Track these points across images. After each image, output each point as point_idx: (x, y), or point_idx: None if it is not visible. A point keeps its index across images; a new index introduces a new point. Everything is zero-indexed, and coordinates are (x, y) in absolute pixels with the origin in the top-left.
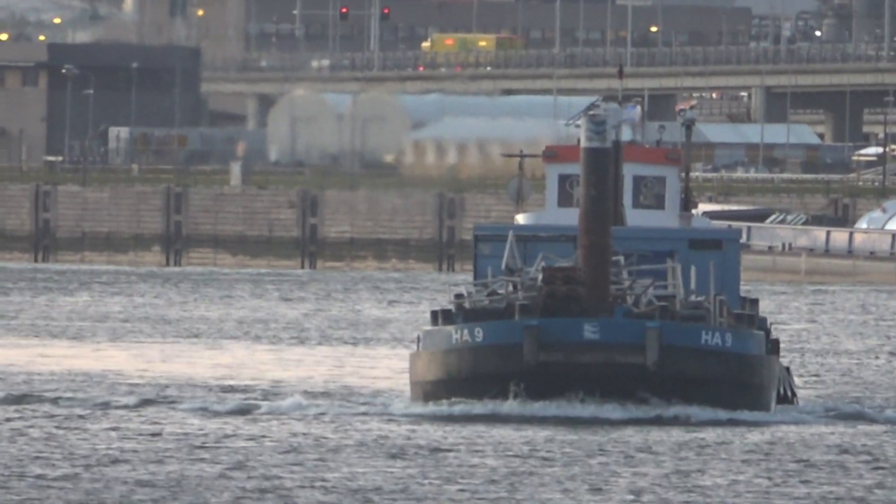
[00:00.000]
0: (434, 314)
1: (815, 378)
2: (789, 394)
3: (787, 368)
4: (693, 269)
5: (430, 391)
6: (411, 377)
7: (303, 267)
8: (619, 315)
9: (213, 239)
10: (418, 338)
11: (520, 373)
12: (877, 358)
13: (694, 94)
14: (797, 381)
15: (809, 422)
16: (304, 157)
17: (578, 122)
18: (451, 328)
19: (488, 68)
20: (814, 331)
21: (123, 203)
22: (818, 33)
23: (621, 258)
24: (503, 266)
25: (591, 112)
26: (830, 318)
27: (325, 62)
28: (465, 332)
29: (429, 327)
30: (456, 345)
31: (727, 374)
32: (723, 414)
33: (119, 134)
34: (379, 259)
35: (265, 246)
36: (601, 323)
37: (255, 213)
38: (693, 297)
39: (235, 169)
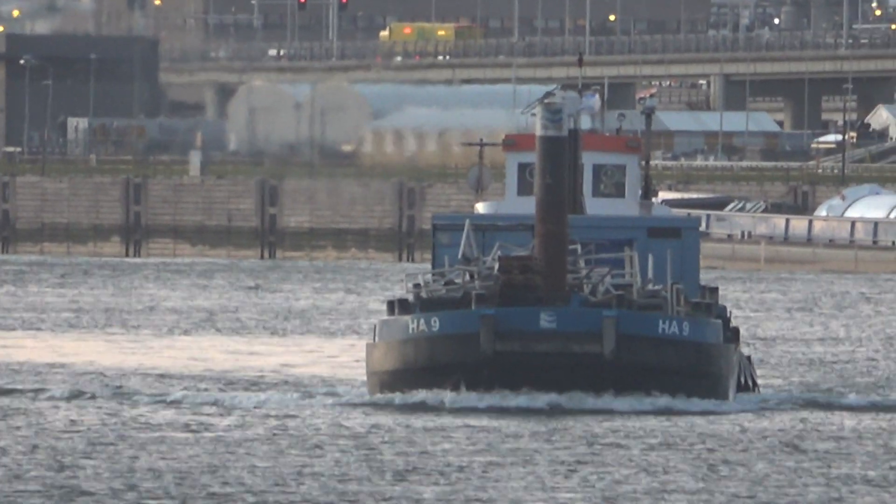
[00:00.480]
0: (390, 304)
1: (776, 366)
2: (750, 383)
3: (749, 357)
4: (651, 257)
5: (386, 381)
6: (368, 367)
7: (262, 257)
8: (575, 304)
9: (173, 229)
10: (374, 327)
11: (476, 362)
12: (839, 345)
13: (653, 83)
14: (759, 370)
15: (766, 410)
16: (263, 146)
17: (534, 112)
18: (407, 318)
19: (447, 57)
20: (774, 318)
21: (83, 194)
22: (777, 21)
23: (578, 247)
24: (460, 255)
25: (546, 101)
26: (790, 305)
27: (283, 52)
28: (422, 321)
29: (385, 317)
30: (412, 334)
31: (684, 363)
32: (679, 403)
33: (78, 125)
34: (339, 249)
35: (224, 236)
36: (557, 312)
37: (214, 203)
38: (650, 286)
39: (194, 159)
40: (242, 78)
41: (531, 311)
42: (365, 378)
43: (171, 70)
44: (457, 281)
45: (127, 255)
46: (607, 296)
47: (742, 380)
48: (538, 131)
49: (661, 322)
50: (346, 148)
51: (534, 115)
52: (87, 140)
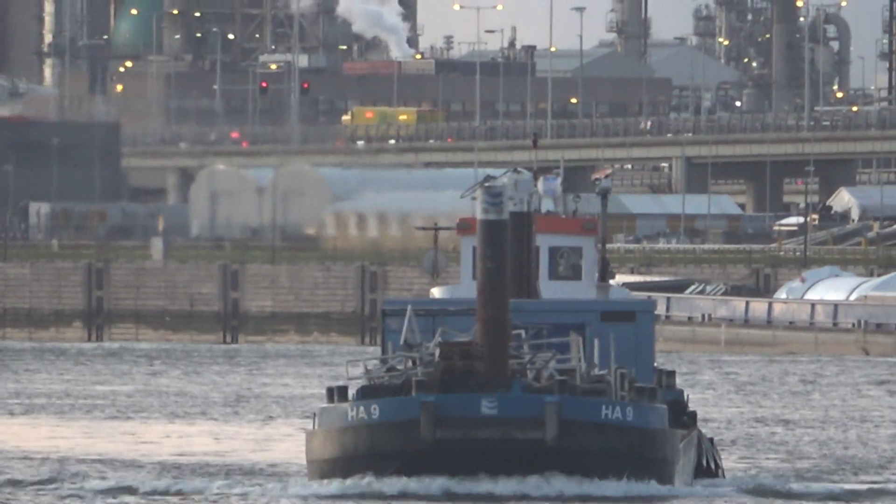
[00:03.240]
0: (330, 391)
1: (742, 450)
2: (713, 466)
3: (711, 440)
4: (604, 341)
5: (326, 470)
6: (308, 455)
7: (225, 341)
8: (517, 389)
9: (135, 314)
10: (314, 415)
11: (416, 450)
12: (800, 428)
13: (614, 165)
14: (725, 453)
15: (716, 497)
16: (224, 230)
17: (474, 195)
18: (346, 405)
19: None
20: (736, 401)
21: (44, 279)
22: (738, 103)
23: (522, 332)
24: (401, 341)
25: (486, 184)
26: (752, 387)
27: (244, 135)
28: (361, 408)
29: (325, 404)
30: (352, 422)
31: (628, 448)
32: (620, 487)
33: (39, 209)
34: (301, 333)
35: (187, 320)
36: (499, 398)
37: (176, 288)
38: (595, 371)
39: (157, 244)
40: (203, 162)
41: (472, 397)
42: (305, 466)
43: (133, 155)
44: (399, 367)
45: (89, 339)
46: (550, 381)
47: (705, 463)
48: (479, 215)
49: (604, 407)
50: (308, 231)
51: (474, 198)
52: (48, 225)
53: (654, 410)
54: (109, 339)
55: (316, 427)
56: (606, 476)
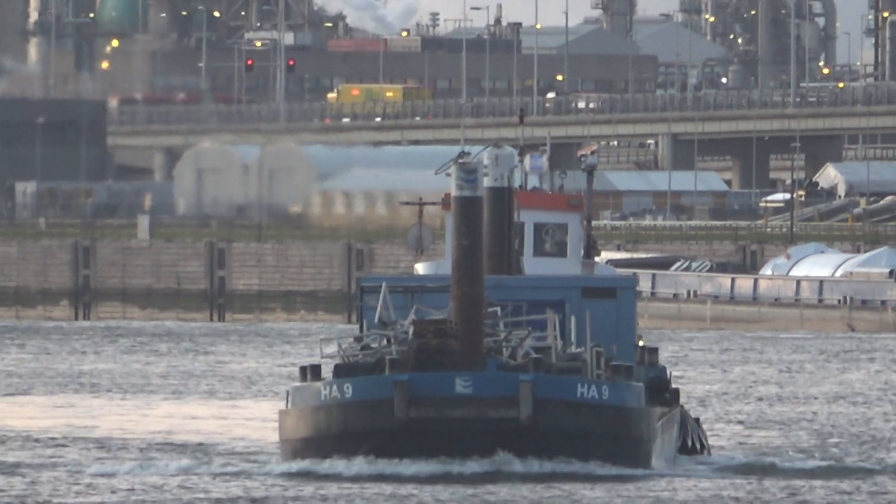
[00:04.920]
0: (303, 369)
1: (727, 428)
2: (698, 445)
3: (697, 420)
4: (580, 318)
5: (299, 449)
6: (280, 435)
7: (211, 320)
8: (491, 368)
9: (122, 292)
10: (287, 394)
11: (390, 429)
12: (786, 405)
13: (601, 142)
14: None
15: (692, 476)
16: (210, 209)
17: (449, 171)
18: (319, 384)
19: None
20: (723, 378)
21: (31, 258)
22: (724, 80)
23: (498, 309)
24: (376, 319)
25: (461, 160)
26: (739, 366)
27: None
28: (334, 387)
29: (298, 383)
30: (325, 401)
31: (603, 427)
32: (597, 469)
33: (26, 188)
34: (288, 311)
35: (173, 299)
36: (473, 376)
37: (162, 266)
38: (572, 349)
39: (143, 222)
40: (189, 140)
41: (446, 375)
42: (278, 445)
43: (119, 133)
44: (373, 346)
45: (76, 318)
46: (525, 359)
47: (690, 442)
48: (453, 191)
49: (579, 386)
50: (294, 210)
51: (448, 174)
52: (34, 204)
53: (630, 388)
54: (96, 317)
55: (289, 406)
56: (581, 455)
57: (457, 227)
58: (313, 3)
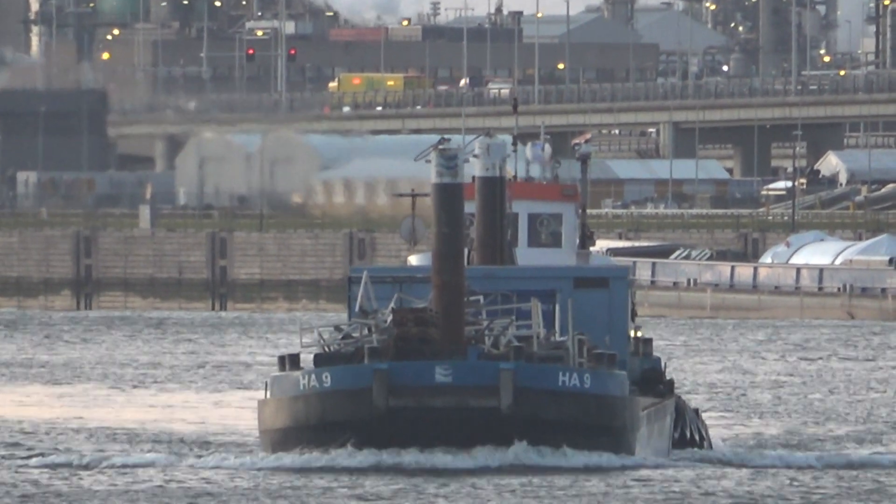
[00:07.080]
0: (281, 359)
1: (725, 419)
2: (697, 437)
3: (697, 410)
4: (575, 308)
5: (278, 440)
6: (260, 425)
7: (213, 309)
8: (472, 357)
9: (124, 282)
10: (266, 384)
11: (369, 419)
12: (783, 392)
13: (602, 131)
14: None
15: (676, 467)
16: (212, 198)
17: (429, 158)
18: (298, 373)
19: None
20: (722, 368)
21: (33, 247)
22: (725, 68)
23: (481, 298)
24: (356, 308)
25: (441, 147)
26: (738, 354)
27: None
28: (313, 377)
29: (277, 373)
30: (303, 391)
31: (585, 416)
32: (576, 458)
33: (27, 178)
34: (289, 300)
35: (175, 288)
36: (454, 365)
37: (164, 256)
38: (555, 338)
39: (144, 212)
40: (191, 130)
41: (426, 364)
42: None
43: (120, 123)
44: (354, 335)
45: (78, 308)
46: (506, 348)
47: (688, 434)
48: (433, 178)
49: (560, 374)
50: (296, 199)
51: (428, 161)
52: (36, 194)
53: (613, 377)
54: (98, 307)
55: (268, 396)
56: (562, 444)
57: (437, 214)
58: None
